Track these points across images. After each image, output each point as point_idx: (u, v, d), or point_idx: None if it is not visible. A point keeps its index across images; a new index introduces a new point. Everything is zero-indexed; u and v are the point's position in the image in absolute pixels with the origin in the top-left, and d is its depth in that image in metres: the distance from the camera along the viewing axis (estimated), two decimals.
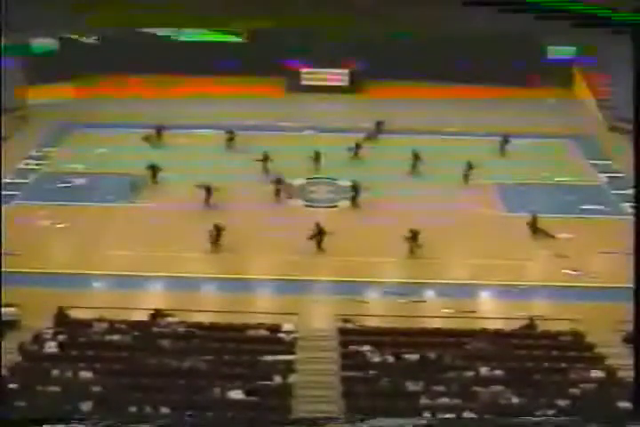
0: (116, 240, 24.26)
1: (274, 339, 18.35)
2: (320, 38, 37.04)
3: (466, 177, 28.47)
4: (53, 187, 28.01)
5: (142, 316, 19.43)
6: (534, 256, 24.12)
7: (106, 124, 33.18)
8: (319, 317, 20.68)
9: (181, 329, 18.49)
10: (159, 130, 31.57)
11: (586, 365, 17.31)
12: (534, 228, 24.91)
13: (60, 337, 17.83)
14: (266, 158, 28.70)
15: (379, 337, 18.30)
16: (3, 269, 20.46)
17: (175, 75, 37.34)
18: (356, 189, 26.79)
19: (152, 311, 19.38)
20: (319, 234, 23.48)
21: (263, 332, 18.64)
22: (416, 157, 29.06)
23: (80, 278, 22.19)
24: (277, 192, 26.91)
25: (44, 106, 34.42)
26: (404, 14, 36.37)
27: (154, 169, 27.99)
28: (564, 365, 17.31)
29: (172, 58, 37.47)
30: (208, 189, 26.15)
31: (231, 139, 31.31)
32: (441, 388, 16.21)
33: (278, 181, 26.94)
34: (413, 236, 23.42)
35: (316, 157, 29.19)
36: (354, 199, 26.84)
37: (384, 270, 23.28)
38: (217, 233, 23.50)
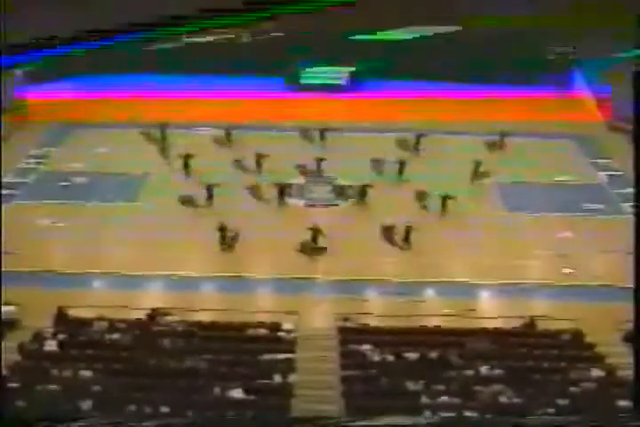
0: (116, 240, 24.24)
1: (274, 338, 18.37)
2: (320, 38, 37.00)
3: (475, 175, 28.42)
4: (53, 186, 27.95)
5: (142, 315, 19.42)
6: (534, 256, 24.11)
7: (106, 124, 33.12)
8: (319, 316, 20.67)
9: (181, 328, 18.49)
10: (162, 129, 31.56)
11: (586, 364, 17.33)
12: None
13: (60, 336, 17.84)
14: (260, 158, 28.66)
15: (379, 336, 18.32)
16: (3, 269, 20.51)
17: (175, 75, 37.31)
18: (362, 189, 26.73)
19: (150, 310, 19.37)
20: (315, 234, 23.49)
21: (263, 331, 18.65)
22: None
23: (80, 278, 22.14)
24: (281, 194, 26.76)
25: (44, 106, 34.42)
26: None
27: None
28: (563, 364, 17.34)
29: (173, 58, 37.42)
30: (209, 189, 26.13)
31: (230, 139, 31.34)
32: (441, 387, 16.23)
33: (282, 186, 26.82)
34: (407, 232, 23.49)
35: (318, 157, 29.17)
36: (360, 199, 26.76)
37: (384, 270, 23.26)
38: (223, 233, 23.46)
